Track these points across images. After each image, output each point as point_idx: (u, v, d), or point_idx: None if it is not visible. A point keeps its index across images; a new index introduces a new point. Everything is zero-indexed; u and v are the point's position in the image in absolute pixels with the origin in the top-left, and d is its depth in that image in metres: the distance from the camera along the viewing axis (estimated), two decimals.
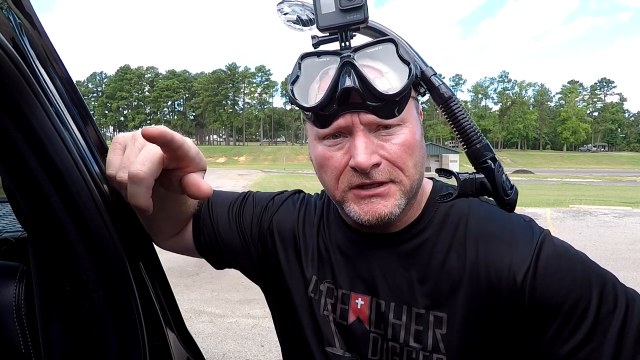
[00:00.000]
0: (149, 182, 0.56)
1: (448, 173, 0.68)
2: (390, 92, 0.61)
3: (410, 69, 0.61)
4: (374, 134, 0.66)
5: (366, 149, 0.64)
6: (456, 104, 0.64)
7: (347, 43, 0.64)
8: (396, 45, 0.63)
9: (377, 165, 0.65)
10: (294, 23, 0.69)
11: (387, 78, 0.63)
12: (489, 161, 0.63)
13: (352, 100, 0.62)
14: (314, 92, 0.65)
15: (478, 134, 0.64)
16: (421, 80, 0.65)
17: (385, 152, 0.66)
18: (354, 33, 0.64)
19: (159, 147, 0.57)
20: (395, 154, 0.66)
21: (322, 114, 0.64)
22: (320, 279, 0.80)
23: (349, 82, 0.60)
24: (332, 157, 0.68)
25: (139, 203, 0.57)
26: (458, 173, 0.66)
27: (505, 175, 0.64)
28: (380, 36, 0.66)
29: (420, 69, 0.65)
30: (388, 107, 0.62)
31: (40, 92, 0.51)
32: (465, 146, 0.65)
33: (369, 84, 0.60)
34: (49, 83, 0.58)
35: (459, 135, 0.65)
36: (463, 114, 0.64)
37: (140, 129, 0.60)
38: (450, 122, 0.65)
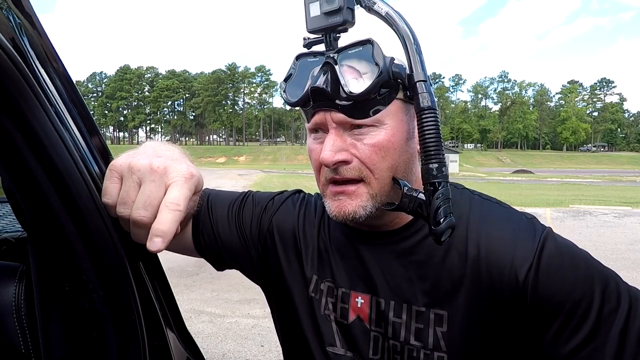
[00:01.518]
0: (151, 224, 0.58)
1: (397, 184, 0.67)
2: (356, 92, 0.63)
3: (379, 71, 0.62)
4: (349, 132, 0.68)
5: (332, 146, 0.67)
6: (429, 117, 0.61)
7: (333, 44, 0.67)
8: (372, 46, 0.63)
9: (346, 162, 0.67)
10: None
11: (364, 79, 0.64)
12: (436, 185, 0.60)
13: (322, 98, 0.66)
14: (301, 90, 0.69)
15: (439, 154, 0.61)
16: (407, 84, 0.64)
17: (357, 151, 0.68)
18: (338, 35, 0.67)
19: (158, 186, 0.59)
20: (365, 154, 0.67)
21: (305, 110, 0.70)
22: (320, 278, 0.80)
23: (319, 82, 0.64)
24: (314, 150, 0.72)
25: (143, 241, 0.59)
26: (406, 187, 0.66)
27: (447, 205, 0.60)
28: (393, 29, 0.66)
29: (411, 72, 0.63)
30: (359, 107, 0.64)
31: (40, 92, 0.51)
32: (422, 160, 0.63)
33: (339, 84, 0.63)
34: (49, 83, 0.58)
35: (421, 148, 0.62)
36: (432, 129, 0.61)
37: (132, 159, 0.61)
38: (419, 132, 0.63)
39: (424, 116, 0.62)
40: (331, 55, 0.65)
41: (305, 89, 0.67)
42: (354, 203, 0.68)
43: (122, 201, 0.60)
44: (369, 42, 0.64)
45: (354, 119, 0.66)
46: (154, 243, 0.57)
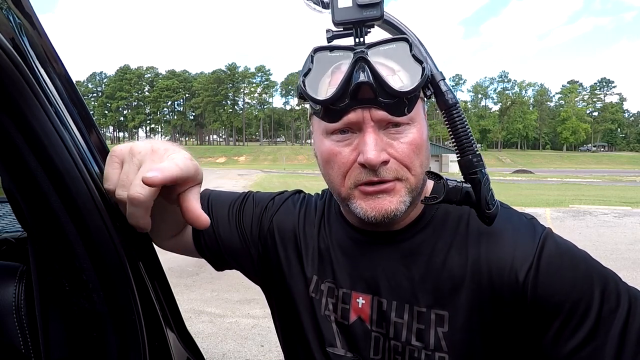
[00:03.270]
0: (148, 204, 0.56)
1: (437, 177, 0.68)
2: (404, 90, 0.61)
3: (423, 68, 0.62)
4: (384, 131, 0.66)
5: (376, 145, 0.64)
6: (458, 112, 0.64)
7: (362, 39, 0.64)
8: (410, 44, 0.63)
9: (385, 163, 0.66)
10: (314, 3, 0.67)
11: (399, 76, 0.63)
12: (478, 174, 0.64)
13: (364, 95, 0.62)
14: (325, 86, 0.65)
15: (473, 145, 0.64)
16: (430, 83, 0.65)
17: (394, 150, 0.66)
18: (369, 30, 0.64)
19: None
20: (404, 153, 0.66)
21: (332, 108, 0.64)
22: (321, 278, 0.80)
23: (362, 77, 0.60)
24: (339, 152, 0.68)
25: (138, 223, 0.57)
26: (447, 179, 0.67)
27: (491, 190, 0.65)
28: (397, 33, 0.66)
29: (431, 71, 0.65)
30: (399, 105, 0.63)
31: (40, 92, 0.51)
32: (458, 154, 0.65)
33: (383, 80, 0.60)
34: (49, 83, 0.58)
35: (454, 143, 0.65)
36: (462, 123, 0.64)
37: (134, 144, 0.60)
38: (449, 129, 0.65)
39: (454, 112, 0.64)
40: (363, 50, 0.61)
41: (340, 85, 0.61)
42: (395, 200, 0.67)
43: (121, 183, 0.58)
44: (405, 39, 0.63)
45: (395, 116, 0.64)
46: (153, 172, 0.52)
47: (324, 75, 0.65)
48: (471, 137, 0.64)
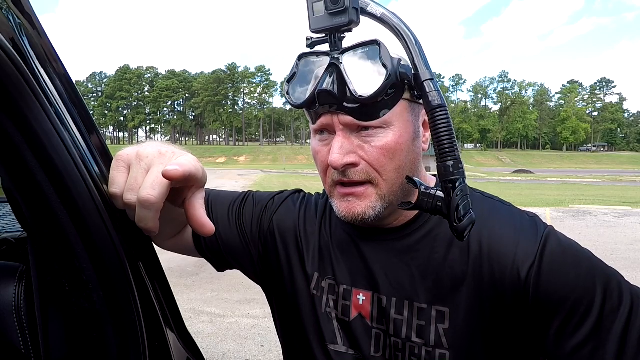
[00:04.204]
0: (159, 205, 0.55)
1: (413, 183, 0.66)
2: (365, 95, 0.61)
3: (388, 73, 0.61)
4: (356, 134, 0.68)
5: (340, 149, 0.66)
6: (441, 115, 0.61)
7: (338, 45, 0.65)
8: (380, 47, 0.62)
9: (354, 165, 0.67)
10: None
11: (368, 80, 0.63)
12: (453, 182, 0.60)
13: (327, 101, 0.65)
14: (305, 90, 0.68)
15: (455, 151, 0.61)
16: (414, 84, 0.64)
17: (364, 153, 0.68)
18: (343, 35, 0.65)
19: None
20: (373, 157, 0.67)
21: (310, 112, 0.69)
22: (321, 275, 0.80)
23: (326, 84, 0.63)
24: (320, 151, 0.72)
25: (147, 226, 0.56)
26: (423, 185, 0.64)
27: (466, 201, 0.60)
28: (393, 31, 0.66)
29: (416, 72, 0.63)
30: (366, 109, 0.64)
31: (40, 92, 0.51)
32: (437, 159, 0.62)
33: (346, 86, 0.62)
34: (49, 83, 0.58)
35: (435, 146, 0.62)
36: (445, 126, 0.61)
37: (140, 147, 0.60)
38: (432, 131, 0.63)
39: (436, 114, 0.61)
40: (336, 55, 0.64)
41: (311, 91, 0.66)
42: (362, 204, 0.69)
43: (130, 188, 0.57)
44: (375, 42, 0.63)
45: (361, 121, 0.65)
46: (173, 166, 0.53)
47: (306, 80, 0.68)
48: (454, 142, 0.61)
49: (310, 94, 0.66)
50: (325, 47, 0.68)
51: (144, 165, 0.58)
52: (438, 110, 0.61)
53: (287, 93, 0.69)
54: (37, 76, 0.53)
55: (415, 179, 0.66)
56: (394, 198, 0.70)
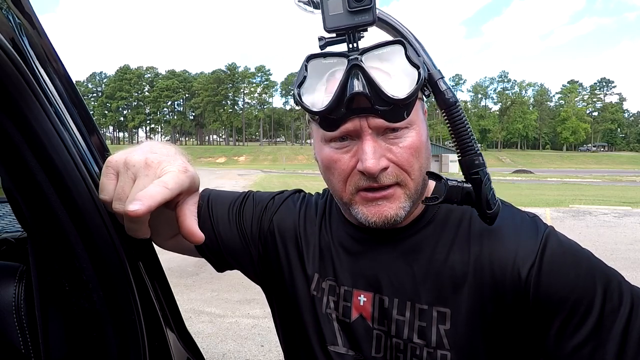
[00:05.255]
0: (145, 218, 0.55)
1: (437, 177, 0.67)
2: (400, 97, 0.60)
3: (419, 73, 0.61)
4: (382, 137, 0.66)
5: (374, 153, 0.64)
6: (458, 111, 0.64)
7: (355, 45, 0.62)
8: (405, 47, 0.62)
9: (384, 169, 0.66)
10: (305, 4, 0.66)
11: (395, 81, 0.62)
12: (480, 173, 0.64)
13: (359, 105, 0.61)
14: (321, 95, 0.64)
15: (474, 145, 0.64)
16: (428, 82, 0.65)
17: (393, 155, 0.66)
18: (362, 34, 0.63)
19: (151, 180, 0.57)
20: (403, 158, 0.66)
21: (329, 118, 0.63)
22: (322, 276, 0.80)
23: (357, 87, 0.59)
24: (339, 159, 0.68)
25: (137, 235, 0.58)
26: (447, 179, 0.66)
27: (493, 190, 0.65)
28: (394, 32, 0.66)
29: (428, 71, 0.64)
30: (396, 110, 0.62)
31: (40, 92, 0.51)
32: (459, 154, 0.65)
33: (378, 88, 0.60)
34: (49, 83, 0.58)
35: (455, 143, 0.65)
36: (463, 122, 0.64)
37: (129, 154, 0.60)
38: (450, 128, 0.65)
39: (453, 111, 0.64)
40: (356, 56, 0.60)
41: (336, 95, 0.60)
42: (394, 206, 0.68)
43: (117, 197, 0.58)
44: (400, 42, 0.62)
45: (392, 122, 0.63)
46: (133, 205, 0.52)
47: (319, 83, 0.64)
48: (472, 137, 0.64)
49: (335, 98, 0.61)
50: (332, 48, 0.65)
51: (130, 174, 0.58)
52: (454, 107, 0.64)
53: (300, 99, 0.63)
54: (37, 76, 0.53)
55: (439, 173, 0.67)
56: (418, 196, 0.71)
